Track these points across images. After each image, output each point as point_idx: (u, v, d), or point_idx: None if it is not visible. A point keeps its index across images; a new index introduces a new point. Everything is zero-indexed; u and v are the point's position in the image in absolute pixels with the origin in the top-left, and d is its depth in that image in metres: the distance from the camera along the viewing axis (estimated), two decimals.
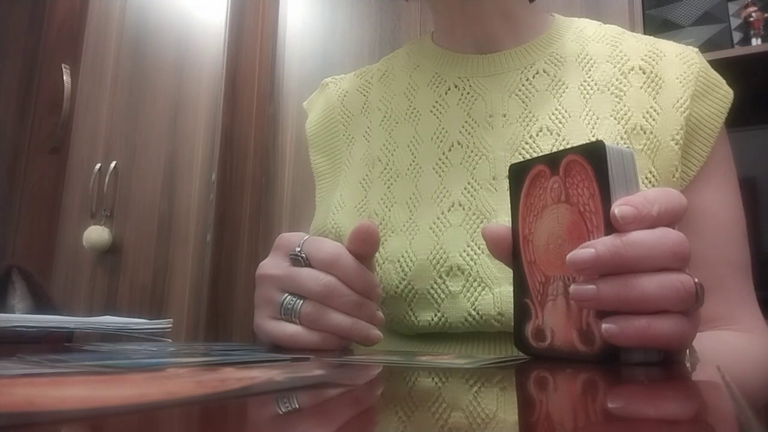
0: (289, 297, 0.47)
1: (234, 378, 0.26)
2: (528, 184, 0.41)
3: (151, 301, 1.80)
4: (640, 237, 0.35)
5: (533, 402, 0.26)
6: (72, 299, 1.91)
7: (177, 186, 1.85)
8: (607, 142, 0.37)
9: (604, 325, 0.35)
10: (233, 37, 1.91)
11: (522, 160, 0.44)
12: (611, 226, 0.35)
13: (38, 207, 2.09)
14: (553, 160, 0.39)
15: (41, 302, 1.13)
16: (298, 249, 0.47)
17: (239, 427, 0.18)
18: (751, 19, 1.44)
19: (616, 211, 0.35)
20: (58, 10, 2.21)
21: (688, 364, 0.38)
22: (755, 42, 1.43)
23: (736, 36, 1.46)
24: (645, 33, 1.47)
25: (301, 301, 0.46)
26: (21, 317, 0.63)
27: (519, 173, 0.42)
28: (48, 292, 1.48)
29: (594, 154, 0.37)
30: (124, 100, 2.00)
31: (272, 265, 0.49)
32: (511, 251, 0.42)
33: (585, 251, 0.35)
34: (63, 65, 2.12)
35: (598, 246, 0.35)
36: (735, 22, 1.46)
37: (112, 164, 1.95)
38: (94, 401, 0.20)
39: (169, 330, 0.66)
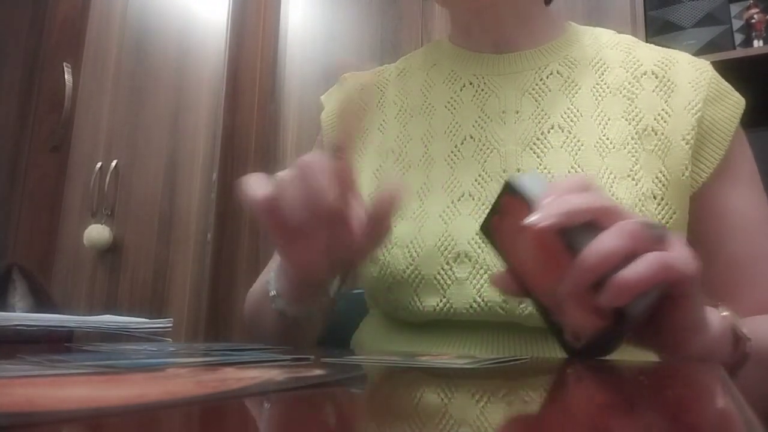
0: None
1: (234, 378, 0.26)
2: (498, 237, 0.47)
3: (151, 300, 1.80)
4: (565, 195, 0.40)
5: (535, 402, 0.26)
6: (72, 298, 1.91)
7: (178, 185, 1.85)
8: (512, 176, 0.45)
9: (599, 299, 0.38)
10: (234, 36, 1.91)
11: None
12: None
13: (39, 205, 2.09)
14: (496, 209, 0.46)
15: (42, 301, 1.13)
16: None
17: (239, 427, 0.18)
18: (753, 20, 1.44)
19: (541, 205, 0.40)
20: (59, 9, 2.21)
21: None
22: (757, 44, 1.43)
23: (738, 38, 1.46)
24: (647, 35, 1.47)
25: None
26: (21, 316, 0.63)
27: (486, 232, 0.48)
28: (48, 290, 1.48)
29: (510, 188, 0.44)
30: (125, 99, 2.00)
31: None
32: (522, 289, 0.46)
33: (536, 214, 0.39)
34: (64, 64, 2.12)
35: (544, 207, 0.39)
36: (737, 24, 1.46)
37: (113, 163, 1.95)
38: (94, 401, 0.20)
39: (170, 329, 0.66)
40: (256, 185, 0.46)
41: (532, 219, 0.39)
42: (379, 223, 0.48)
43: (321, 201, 0.43)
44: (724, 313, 0.47)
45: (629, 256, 0.38)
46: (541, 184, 0.43)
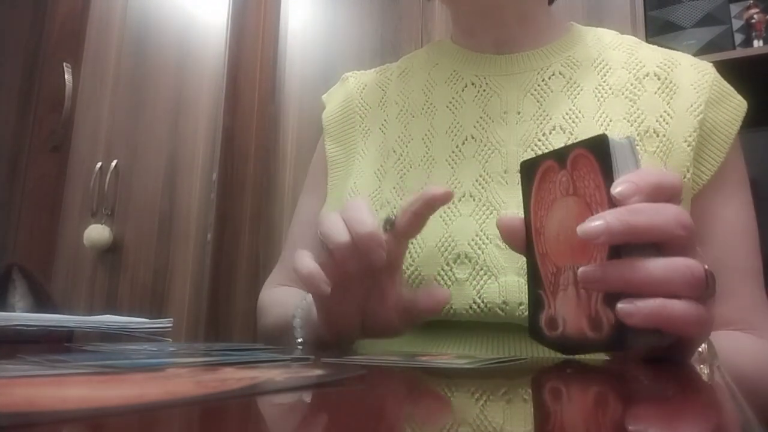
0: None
1: (234, 378, 0.26)
2: (538, 179, 0.42)
3: (151, 301, 1.80)
4: (643, 205, 0.36)
5: (535, 402, 0.26)
6: (72, 298, 1.91)
7: (178, 185, 1.85)
8: (610, 135, 0.38)
9: (619, 305, 0.35)
10: (234, 36, 1.91)
11: (533, 155, 0.46)
12: None
13: (39, 205, 2.09)
14: (560, 155, 0.41)
15: (42, 301, 1.13)
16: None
17: (239, 427, 0.18)
18: (753, 20, 1.44)
19: (616, 191, 0.36)
20: (59, 9, 2.21)
21: (703, 367, 0.38)
22: (757, 44, 1.43)
23: (738, 38, 1.46)
24: (647, 35, 1.47)
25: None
26: (21, 316, 0.63)
27: (529, 169, 0.43)
28: (48, 290, 1.48)
29: (598, 148, 0.38)
30: (125, 99, 2.00)
31: None
32: (524, 243, 0.43)
33: (595, 222, 0.36)
34: (64, 64, 2.12)
35: (607, 216, 0.36)
36: (737, 24, 1.46)
37: (113, 163, 1.95)
38: (94, 401, 0.20)
39: (170, 329, 0.66)
40: (306, 260, 0.48)
41: (591, 226, 0.35)
42: (416, 311, 0.50)
43: (372, 249, 0.45)
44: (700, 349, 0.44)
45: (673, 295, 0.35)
46: (630, 160, 0.37)
